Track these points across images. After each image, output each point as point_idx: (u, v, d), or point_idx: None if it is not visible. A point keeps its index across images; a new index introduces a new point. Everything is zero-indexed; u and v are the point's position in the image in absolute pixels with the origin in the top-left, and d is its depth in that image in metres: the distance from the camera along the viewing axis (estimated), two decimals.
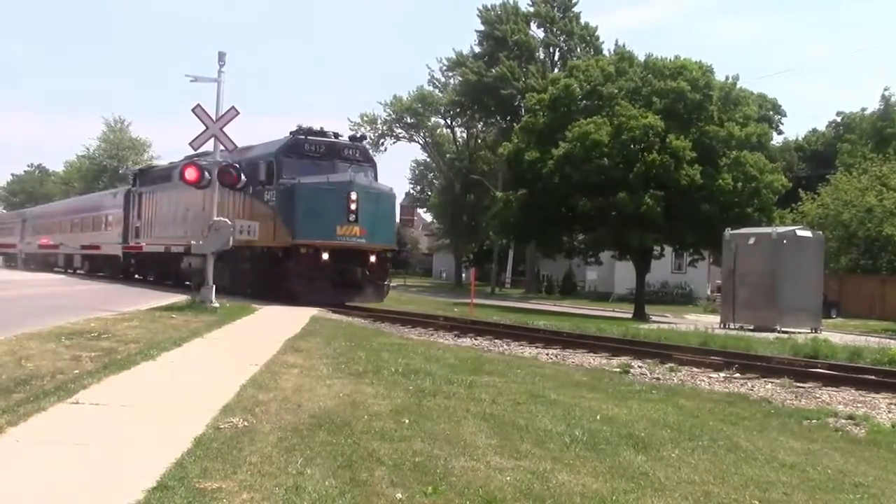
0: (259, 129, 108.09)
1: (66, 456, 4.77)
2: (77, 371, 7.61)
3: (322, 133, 23.34)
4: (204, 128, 17.19)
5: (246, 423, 5.76)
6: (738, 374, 10.97)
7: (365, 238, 21.42)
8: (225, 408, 6.28)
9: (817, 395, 9.64)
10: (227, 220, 18.28)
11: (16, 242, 53.30)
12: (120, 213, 34.11)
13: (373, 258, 21.79)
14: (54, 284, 28.23)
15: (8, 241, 55.56)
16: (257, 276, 22.83)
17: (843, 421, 7.89)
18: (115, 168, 74.94)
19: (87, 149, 79.22)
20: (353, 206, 21.07)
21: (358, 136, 25.98)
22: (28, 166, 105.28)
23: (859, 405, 9.12)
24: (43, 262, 47.54)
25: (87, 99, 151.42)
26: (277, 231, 21.40)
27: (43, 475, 4.37)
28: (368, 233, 21.45)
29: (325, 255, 20.88)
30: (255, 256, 22.87)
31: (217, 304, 16.74)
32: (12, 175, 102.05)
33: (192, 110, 17.12)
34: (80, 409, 6.08)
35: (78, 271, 41.45)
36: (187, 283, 25.65)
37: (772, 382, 10.40)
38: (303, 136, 22.57)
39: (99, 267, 38.01)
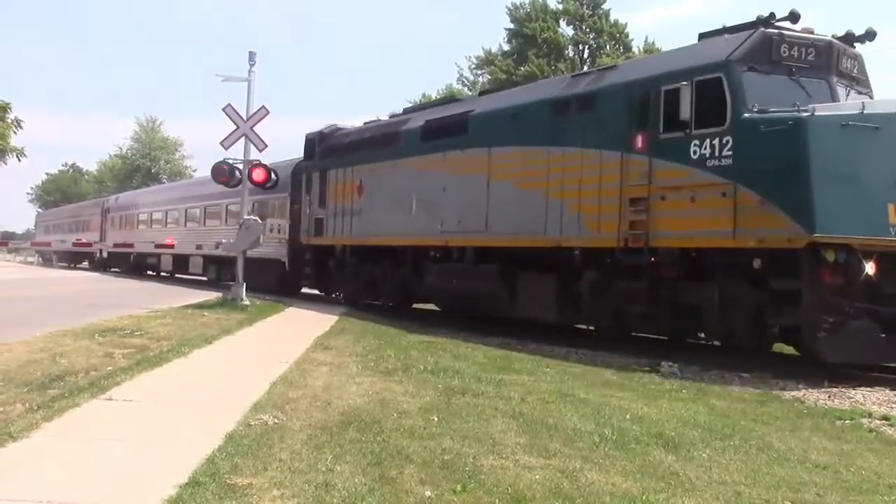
0: (285, 129, 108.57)
1: (99, 451, 4.84)
2: (110, 368, 7.72)
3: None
4: (235, 127, 17.36)
5: (276, 421, 5.81)
6: (770, 374, 10.84)
7: None
8: (255, 405, 6.33)
9: (851, 396, 9.49)
10: (257, 217, 18.37)
11: (94, 240, 42.91)
12: (283, 199, 23.32)
13: None
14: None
15: (82, 238, 45.24)
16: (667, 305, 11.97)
17: (878, 422, 7.76)
18: (148, 167, 75.72)
19: (120, 148, 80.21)
20: None
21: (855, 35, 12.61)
22: (62, 166, 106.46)
23: (894, 405, 8.97)
24: (137, 263, 37.52)
25: (119, 99, 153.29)
26: (745, 218, 10.76)
27: (76, 470, 4.43)
28: None
29: (869, 267, 10.36)
30: (656, 269, 11.91)
31: (248, 302, 16.89)
32: (47, 174, 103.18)
33: (223, 110, 17.30)
34: (113, 405, 6.17)
35: (189, 276, 31.40)
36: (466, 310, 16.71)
37: (804, 382, 10.27)
38: (775, 33, 11.49)
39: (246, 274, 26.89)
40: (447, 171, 15.79)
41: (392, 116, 21.12)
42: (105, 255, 41.10)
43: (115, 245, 39.45)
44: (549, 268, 13.77)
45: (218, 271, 28.36)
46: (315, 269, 21.13)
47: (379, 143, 18.56)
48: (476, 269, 15.39)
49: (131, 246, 37.06)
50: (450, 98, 18.59)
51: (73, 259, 49.73)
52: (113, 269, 40.59)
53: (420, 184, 16.68)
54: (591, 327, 14.14)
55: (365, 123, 20.79)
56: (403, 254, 17.59)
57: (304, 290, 23.35)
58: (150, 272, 36.54)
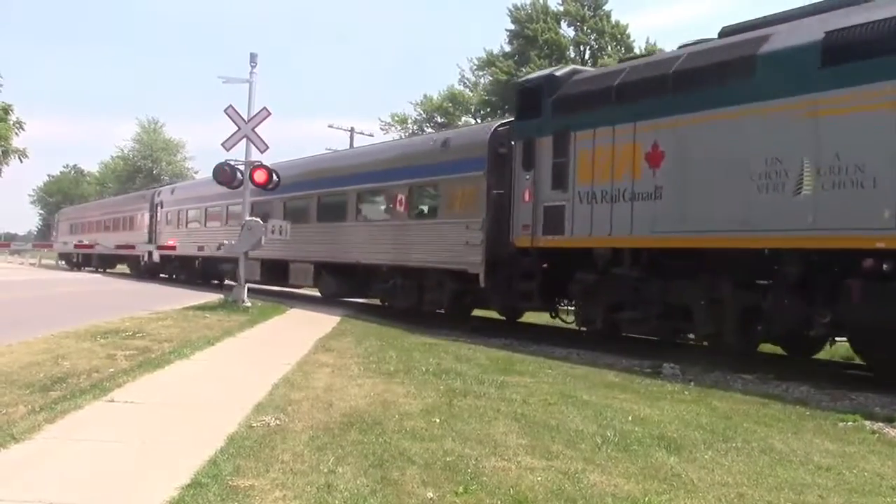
0: (288, 131, 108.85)
1: (101, 453, 4.84)
2: (112, 369, 7.72)
3: None
4: (236, 129, 17.37)
5: (278, 422, 5.80)
6: (772, 375, 10.83)
7: None
8: (258, 406, 6.33)
9: (853, 397, 9.49)
10: (258, 219, 18.36)
11: (139, 241, 33.91)
12: (471, 181, 15.50)
13: None
14: None
15: (120, 240, 35.70)
16: None
17: (880, 423, 7.76)
18: (150, 169, 75.84)
19: (122, 150, 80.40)
20: None
21: None
22: (63, 167, 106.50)
23: None
24: (204, 270, 29.85)
25: (120, 100, 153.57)
26: None
27: (78, 472, 4.43)
28: None
29: None
30: None
31: (249, 304, 16.89)
32: (48, 176, 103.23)
33: (225, 111, 17.32)
34: (115, 407, 6.17)
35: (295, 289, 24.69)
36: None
37: (807, 384, 10.26)
38: None
39: (395, 292, 18.44)
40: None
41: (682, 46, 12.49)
42: (156, 258, 32.09)
43: (175, 247, 30.00)
44: None
45: (340, 284, 20.37)
46: (543, 286, 14.07)
47: (698, 80, 11.16)
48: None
49: (201, 249, 27.51)
50: None
51: (104, 263, 42.03)
52: (161, 275, 33.34)
53: (822, 140, 9.51)
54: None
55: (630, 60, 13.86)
56: (770, 263, 10.67)
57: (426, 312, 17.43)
58: (215, 281, 29.32)
